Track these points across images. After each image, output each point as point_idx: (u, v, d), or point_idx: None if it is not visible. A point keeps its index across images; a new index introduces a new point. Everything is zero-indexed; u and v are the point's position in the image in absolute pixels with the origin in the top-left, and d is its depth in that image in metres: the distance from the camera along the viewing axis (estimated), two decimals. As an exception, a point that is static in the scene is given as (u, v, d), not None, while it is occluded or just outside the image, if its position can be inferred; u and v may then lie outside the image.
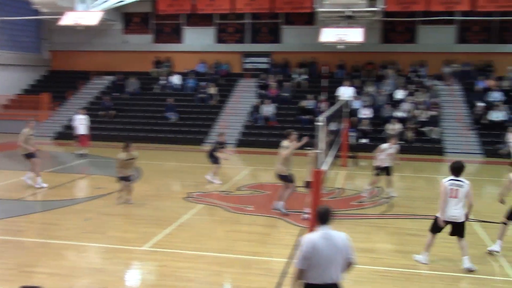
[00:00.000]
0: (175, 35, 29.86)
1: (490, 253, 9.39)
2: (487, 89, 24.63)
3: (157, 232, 10.23)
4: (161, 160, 19.86)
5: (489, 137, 22.51)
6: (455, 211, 8.44)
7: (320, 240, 5.27)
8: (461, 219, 8.50)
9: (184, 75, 28.68)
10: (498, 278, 8.36)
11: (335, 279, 5.28)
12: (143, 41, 30.03)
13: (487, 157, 21.43)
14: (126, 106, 27.26)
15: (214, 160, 15.37)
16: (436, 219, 8.71)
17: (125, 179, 12.23)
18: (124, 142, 12.18)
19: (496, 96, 24.09)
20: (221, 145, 15.80)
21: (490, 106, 23.50)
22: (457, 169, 8.55)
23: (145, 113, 26.56)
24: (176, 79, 28.26)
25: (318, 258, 5.20)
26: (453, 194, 8.41)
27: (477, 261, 8.99)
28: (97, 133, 22.88)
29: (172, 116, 25.74)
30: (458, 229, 8.57)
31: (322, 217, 5.42)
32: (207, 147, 19.84)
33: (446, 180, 8.53)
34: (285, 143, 11.80)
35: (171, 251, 9.25)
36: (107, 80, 29.68)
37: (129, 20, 30.15)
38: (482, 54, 26.50)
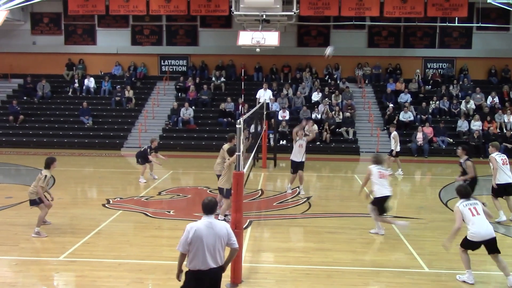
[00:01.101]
0: (88, 37, 28.85)
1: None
2: (397, 91, 25.96)
3: (74, 241, 9.81)
4: (77, 166, 19.09)
5: (399, 136, 23.64)
6: None
7: (203, 228, 5.80)
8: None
9: (99, 77, 27.80)
10: (412, 270, 8.79)
11: (218, 263, 5.84)
12: (54, 42, 28.72)
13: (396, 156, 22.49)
14: (36, 110, 25.96)
15: (143, 161, 15.95)
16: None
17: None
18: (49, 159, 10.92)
19: (404, 97, 25.45)
20: (153, 150, 16.10)
21: (400, 107, 24.80)
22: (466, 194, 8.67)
23: (58, 117, 25.43)
24: (90, 82, 27.31)
25: (199, 244, 5.73)
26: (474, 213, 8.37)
27: (392, 254, 9.43)
28: (5, 139, 21.60)
29: (87, 120, 24.84)
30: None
31: (206, 208, 5.94)
32: (128, 151, 19.35)
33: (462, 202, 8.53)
34: (226, 146, 11.76)
35: (90, 260, 8.91)
36: (14, 83, 28.12)
37: (38, 20, 28.74)
38: (391, 58, 27.93)
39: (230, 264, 6.43)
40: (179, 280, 6.02)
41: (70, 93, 27.25)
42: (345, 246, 10.01)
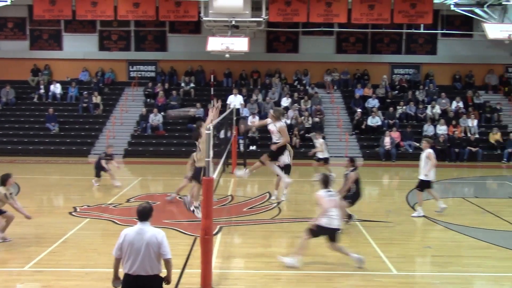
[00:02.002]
0: (54, 42, 28.35)
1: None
2: (364, 97, 26.32)
3: (40, 250, 9.58)
4: (43, 173, 18.69)
5: (367, 141, 24.05)
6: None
7: (133, 234, 5.79)
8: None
9: (66, 83, 27.33)
10: (381, 273, 8.90)
11: (148, 272, 5.76)
12: (18, 47, 28.09)
13: (365, 160, 22.83)
14: (0, 117, 25.32)
15: (99, 170, 15.62)
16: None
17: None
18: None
19: (372, 103, 25.83)
20: (108, 156, 15.75)
21: (367, 112, 25.15)
22: (326, 182, 8.98)
23: (23, 124, 24.88)
24: (56, 88, 26.82)
25: (129, 250, 5.74)
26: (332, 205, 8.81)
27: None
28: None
29: (53, 127, 24.37)
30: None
31: (140, 214, 5.88)
32: (94, 158, 19.02)
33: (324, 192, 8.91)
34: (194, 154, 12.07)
35: (56, 269, 8.72)
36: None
37: (2, 25, 28.09)
38: (358, 64, 28.33)
39: (171, 274, 6.14)
40: (115, 287, 5.98)
41: (35, 99, 26.69)
42: (315, 250, 10.04)
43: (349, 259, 9.20)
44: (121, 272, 5.99)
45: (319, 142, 17.84)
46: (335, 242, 8.91)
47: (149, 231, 5.83)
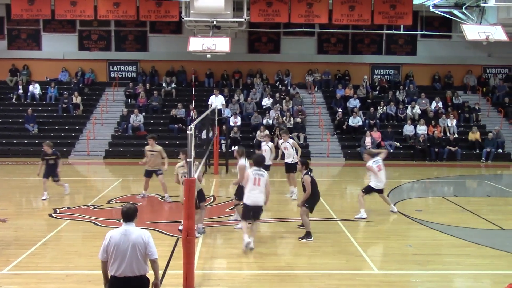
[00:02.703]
0: (33, 41, 27.99)
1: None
2: (346, 97, 26.48)
3: (19, 253, 9.44)
4: (22, 175, 18.42)
5: (349, 141, 24.20)
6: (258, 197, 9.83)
7: (118, 235, 5.74)
8: (261, 203, 9.93)
9: (45, 83, 26.99)
10: (362, 272, 8.96)
11: (136, 273, 5.74)
12: (-4, 47, 27.72)
13: (347, 160, 22.98)
14: (-23, 118, 24.94)
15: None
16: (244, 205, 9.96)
17: None
18: None
19: (353, 103, 26.00)
20: (53, 155, 14.29)
21: (349, 113, 25.31)
22: (258, 162, 10.14)
23: (1, 125, 24.52)
24: (35, 88, 26.47)
25: (115, 252, 5.68)
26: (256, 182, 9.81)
27: (343, 257, 9.60)
28: None
29: (32, 128, 24.04)
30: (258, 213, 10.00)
31: (125, 215, 5.85)
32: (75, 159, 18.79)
33: (251, 170, 9.99)
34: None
35: (36, 272, 8.60)
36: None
37: (-21, 24, 27.66)
38: (339, 64, 28.50)
39: (160, 274, 6.33)
40: None
41: (14, 99, 26.30)
42: (297, 250, 10.09)
43: (331, 258, 9.25)
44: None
45: (292, 142, 15.10)
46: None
47: (134, 232, 5.80)
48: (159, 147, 14.13)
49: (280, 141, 15.46)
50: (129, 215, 5.86)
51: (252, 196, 9.79)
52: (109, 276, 5.80)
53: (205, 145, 15.96)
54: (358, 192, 12.98)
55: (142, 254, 5.77)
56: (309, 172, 10.66)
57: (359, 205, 12.64)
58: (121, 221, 5.96)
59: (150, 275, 5.99)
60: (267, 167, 13.33)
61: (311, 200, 10.60)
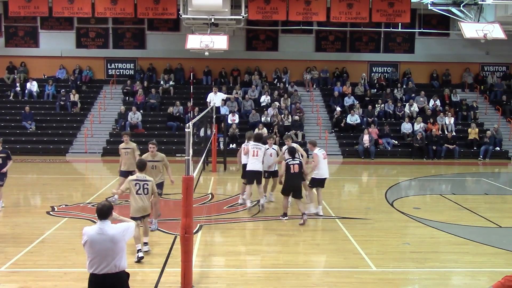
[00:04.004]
0: (31, 39, 27.92)
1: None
2: (343, 95, 26.49)
3: (16, 251, 9.43)
4: (19, 173, 18.33)
5: (346, 139, 24.21)
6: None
7: (94, 234, 5.65)
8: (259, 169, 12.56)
9: (42, 81, 26.94)
10: (360, 269, 8.98)
11: (115, 269, 5.67)
12: (-7, 44, 27.65)
13: (345, 158, 22.99)
14: (-25, 115, 24.87)
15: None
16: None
17: None
18: None
19: (348, 101, 26.00)
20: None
21: (346, 110, 25.31)
22: (256, 138, 12.83)
23: (-2, 122, 24.48)
24: (33, 86, 26.42)
25: (92, 250, 5.63)
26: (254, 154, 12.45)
27: (341, 255, 9.61)
28: None
29: (30, 125, 24.00)
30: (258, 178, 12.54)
31: (100, 213, 5.73)
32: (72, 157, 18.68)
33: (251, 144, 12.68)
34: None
35: (34, 270, 8.59)
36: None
37: (-24, 21, 27.59)
38: (337, 62, 28.50)
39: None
40: None
41: (11, 97, 26.25)
42: (295, 248, 10.10)
43: (329, 256, 9.26)
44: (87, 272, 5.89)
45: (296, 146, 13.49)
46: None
47: (110, 229, 5.72)
48: (133, 144, 13.15)
49: (284, 148, 15.42)
50: (103, 212, 5.75)
51: (252, 165, 12.46)
52: (89, 274, 5.76)
53: (203, 143, 15.96)
54: (393, 188, 13.19)
55: (122, 248, 5.72)
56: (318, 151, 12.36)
57: (309, 201, 12.55)
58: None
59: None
60: (275, 173, 13.30)
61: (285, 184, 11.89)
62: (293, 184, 11.67)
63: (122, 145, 13.11)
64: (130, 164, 12.56)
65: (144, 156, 10.98)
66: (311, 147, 12.75)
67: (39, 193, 15.30)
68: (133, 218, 8.64)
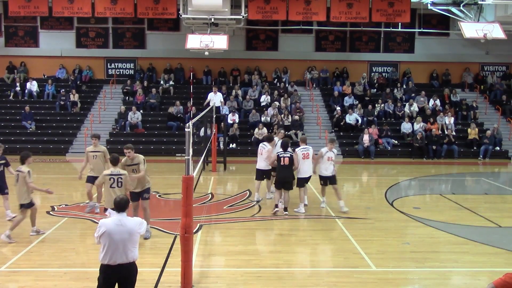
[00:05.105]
0: (30, 39, 27.91)
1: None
2: (343, 94, 26.49)
3: (17, 250, 9.44)
4: (19, 172, 18.35)
5: (346, 138, 24.20)
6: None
7: (113, 225, 6.00)
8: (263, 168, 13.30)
9: (42, 81, 26.94)
10: (360, 269, 8.98)
11: (128, 259, 6.05)
12: (-7, 44, 27.64)
13: (345, 157, 22.99)
14: (-25, 115, 24.86)
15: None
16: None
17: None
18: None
19: (348, 101, 26.00)
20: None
21: (346, 110, 25.31)
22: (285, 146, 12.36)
23: (-2, 122, 24.47)
24: (33, 86, 26.41)
25: (109, 241, 5.94)
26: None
27: (341, 254, 9.62)
28: None
29: (30, 125, 24.00)
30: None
31: (118, 206, 6.16)
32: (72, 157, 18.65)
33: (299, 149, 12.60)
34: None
35: (34, 270, 8.60)
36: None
37: (-24, 21, 27.57)
38: (338, 62, 28.48)
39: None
40: None
41: (11, 97, 26.24)
42: (295, 247, 10.11)
43: (329, 255, 9.26)
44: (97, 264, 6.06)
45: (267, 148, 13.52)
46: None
47: (128, 221, 6.11)
48: (103, 148, 12.65)
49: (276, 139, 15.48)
50: (121, 205, 6.16)
51: (259, 163, 13.33)
52: (101, 263, 6.04)
53: (203, 143, 15.96)
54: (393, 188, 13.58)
55: (136, 240, 6.12)
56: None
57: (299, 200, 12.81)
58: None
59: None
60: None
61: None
62: (284, 176, 12.18)
63: (90, 148, 12.49)
64: (99, 169, 11.80)
65: (123, 161, 10.28)
66: (300, 144, 13.09)
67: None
68: (107, 210, 9.41)
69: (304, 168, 12.53)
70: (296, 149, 12.65)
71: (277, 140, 13.61)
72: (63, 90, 26.05)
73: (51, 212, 12.43)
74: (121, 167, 9.87)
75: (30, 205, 10.33)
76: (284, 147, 12.32)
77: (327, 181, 12.84)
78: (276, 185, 12.52)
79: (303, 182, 12.69)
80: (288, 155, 12.16)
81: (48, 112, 25.45)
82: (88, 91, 27.16)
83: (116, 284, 6.10)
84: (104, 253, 5.98)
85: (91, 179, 12.06)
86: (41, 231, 10.57)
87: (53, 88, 26.44)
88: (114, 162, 9.71)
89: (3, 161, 12.08)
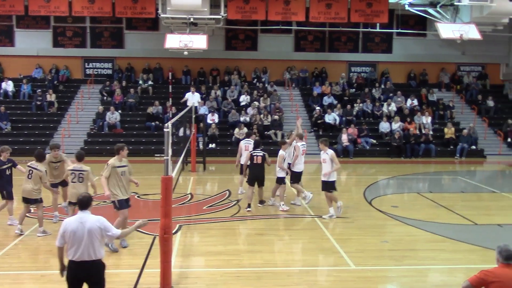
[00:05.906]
0: (6, 38, 27.44)
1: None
2: (322, 94, 26.63)
3: (-8, 253, 9.29)
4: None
5: (325, 138, 24.25)
6: None
7: (75, 223, 6.11)
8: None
9: (18, 80, 26.49)
10: (339, 268, 9.03)
11: (92, 257, 6.06)
12: (-33, 43, 27.10)
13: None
14: None
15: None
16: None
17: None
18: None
19: (327, 100, 26.15)
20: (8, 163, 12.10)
21: (325, 110, 25.44)
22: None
23: (-27, 123, 24.00)
24: (8, 85, 25.97)
25: (72, 238, 6.04)
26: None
27: (321, 253, 9.67)
28: None
29: (5, 126, 23.60)
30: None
31: (81, 204, 6.25)
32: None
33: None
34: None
35: (10, 273, 8.46)
36: None
37: (-50, 20, 27.01)
38: (317, 62, 28.62)
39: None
40: (62, 276, 6.26)
41: (-14, 97, 25.81)
42: (274, 247, 10.13)
43: (308, 254, 9.29)
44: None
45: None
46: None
47: (90, 219, 6.14)
48: (63, 156, 12.31)
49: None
50: (84, 203, 6.22)
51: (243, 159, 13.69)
52: (67, 261, 6.12)
53: (182, 143, 15.87)
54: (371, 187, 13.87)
55: (99, 239, 6.12)
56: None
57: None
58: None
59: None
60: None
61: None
62: (256, 174, 12.84)
63: (52, 159, 11.95)
64: (58, 174, 11.88)
65: (111, 161, 10.27)
66: (298, 140, 13.57)
67: (14, 195, 15.00)
68: (70, 203, 10.11)
69: (301, 163, 13.29)
70: (298, 144, 13.30)
71: (290, 144, 13.46)
72: (39, 90, 25.66)
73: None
74: (47, 163, 11.01)
75: (39, 201, 10.72)
76: (256, 146, 13.14)
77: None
78: (249, 181, 13.02)
79: (299, 176, 13.30)
80: (261, 154, 12.77)
81: (24, 113, 25.05)
82: (65, 91, 26.81)
83: (85, 284, 6.14)
84: (69, 249, 6.09)
85: (56, 186, 11.96)
86: (24, 232, 10.63)
87: (29, 88, 26.04)
88: (80, 158, 10.50)
89: (9, 164, 11.95)
